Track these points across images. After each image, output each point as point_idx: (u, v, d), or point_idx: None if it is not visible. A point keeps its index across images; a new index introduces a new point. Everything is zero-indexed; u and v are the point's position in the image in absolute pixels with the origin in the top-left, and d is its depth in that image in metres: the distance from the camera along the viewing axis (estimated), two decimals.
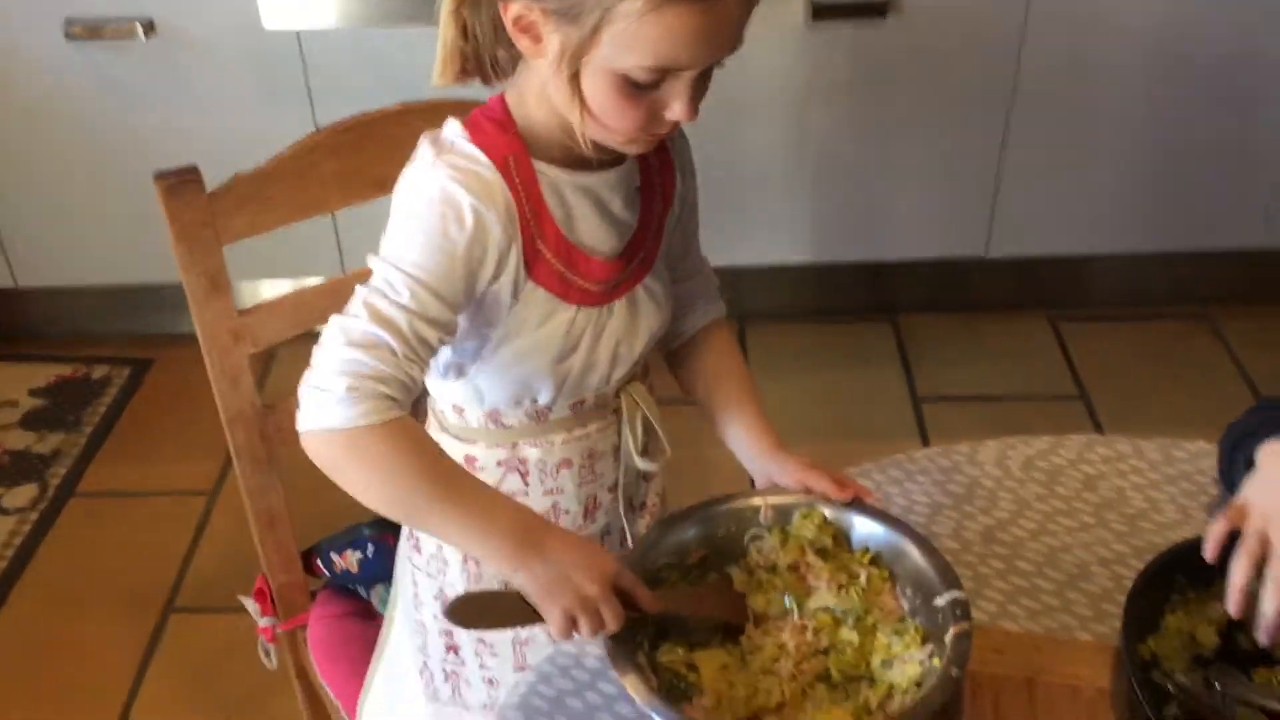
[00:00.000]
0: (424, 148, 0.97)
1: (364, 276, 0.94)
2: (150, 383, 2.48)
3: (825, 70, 2.27)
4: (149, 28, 2.15)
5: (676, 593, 0.96)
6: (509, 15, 0.90)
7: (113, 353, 2.55)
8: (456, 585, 1.11)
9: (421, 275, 0.91)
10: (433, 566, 1.12)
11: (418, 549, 1.14)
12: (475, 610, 0.91)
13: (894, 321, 2.60)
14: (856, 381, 2.45)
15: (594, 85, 0.90)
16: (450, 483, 0.91)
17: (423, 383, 0.95)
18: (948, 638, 0.88)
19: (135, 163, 2.21)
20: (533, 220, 0.96)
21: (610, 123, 0.92)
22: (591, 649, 0.97)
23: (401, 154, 0.99)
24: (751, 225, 2.43)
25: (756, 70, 2.25)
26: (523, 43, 0.91)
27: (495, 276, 0.96)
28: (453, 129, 0.97)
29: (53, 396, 2.44)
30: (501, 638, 1.12)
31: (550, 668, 0.96)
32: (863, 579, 0.96)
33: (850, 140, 2.36)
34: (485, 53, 0.96)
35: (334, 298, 1.24)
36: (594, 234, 1.00)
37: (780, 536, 0.99)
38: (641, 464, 1.11)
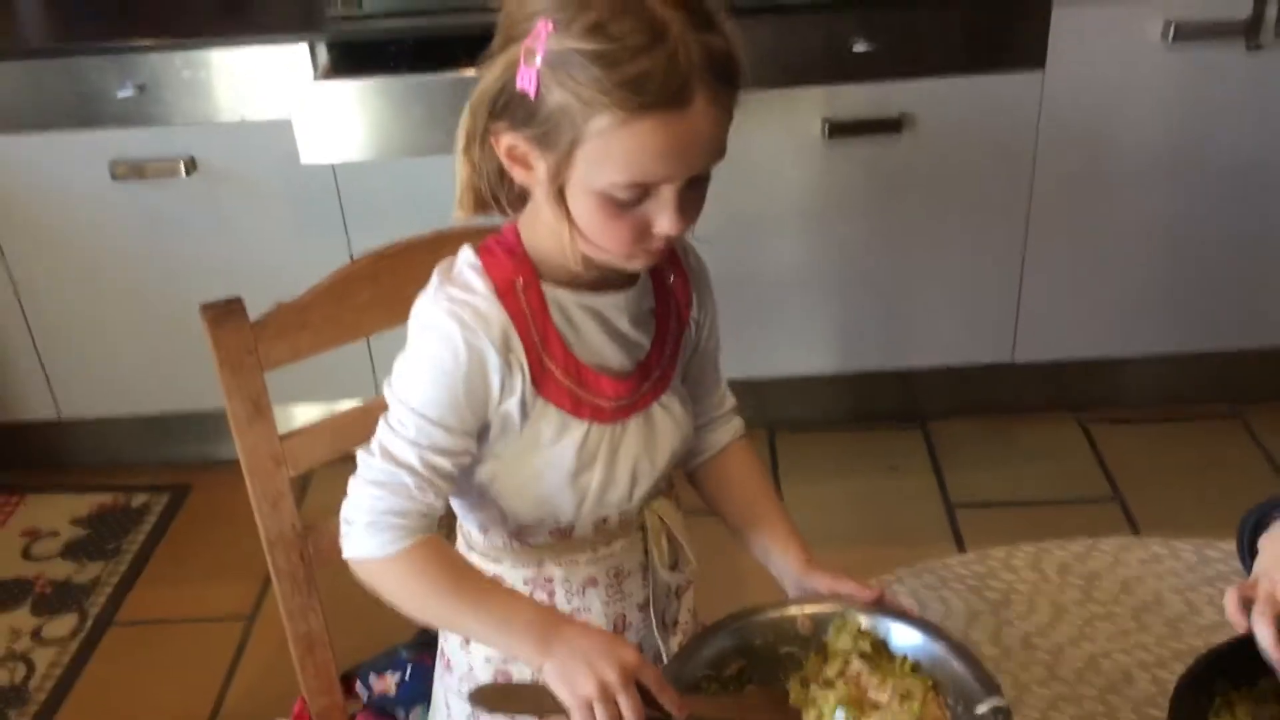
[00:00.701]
0: (434, 278, 1.02)
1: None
2: (188, 509, 2.51)
3: (844, 184, 2.32)
4: (190, 165, 2.23)
5: (718, 701, 0.95)
6: (501, 148, 0.95)
7: (151, 480, 2.59)
8: None
9: (427, 410, 0.97)
10: (464, 687, 1.13)
11: (449, 669, 1.15)
12: (499, 696, 0.97)
13: (924, 428, 2.61)
14: (889, 489, 2.45)
15: (579, 205, 0.93)
16: (471, 589, 0.98)
17: (444, 505, 1.00)
18: None
19: (177, 295, 2.29)
20: (540, 341, 1.00)
21: (599, 241, 0.95)
22: None
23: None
24: (777, 336, 2.46)
25: (777, 185, 2.31)
26: (516, 172, 0.96)
27: (503, 399, 0.99)
28: (465, 256, 1.02)
29: (93, 526, 2.47)
30: None
31: None
32: (914, 691, 0.96)
33: (872, 251, 2.40)
34: (495, 187, 1.01)
35: (370, 420, 1.27)
36: (602, 352, 1.03)
37: (819, 655, 0.99)
38: (670, 577, 1.11)
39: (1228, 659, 0.94)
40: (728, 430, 1.19)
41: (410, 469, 0.97)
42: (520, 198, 1.01)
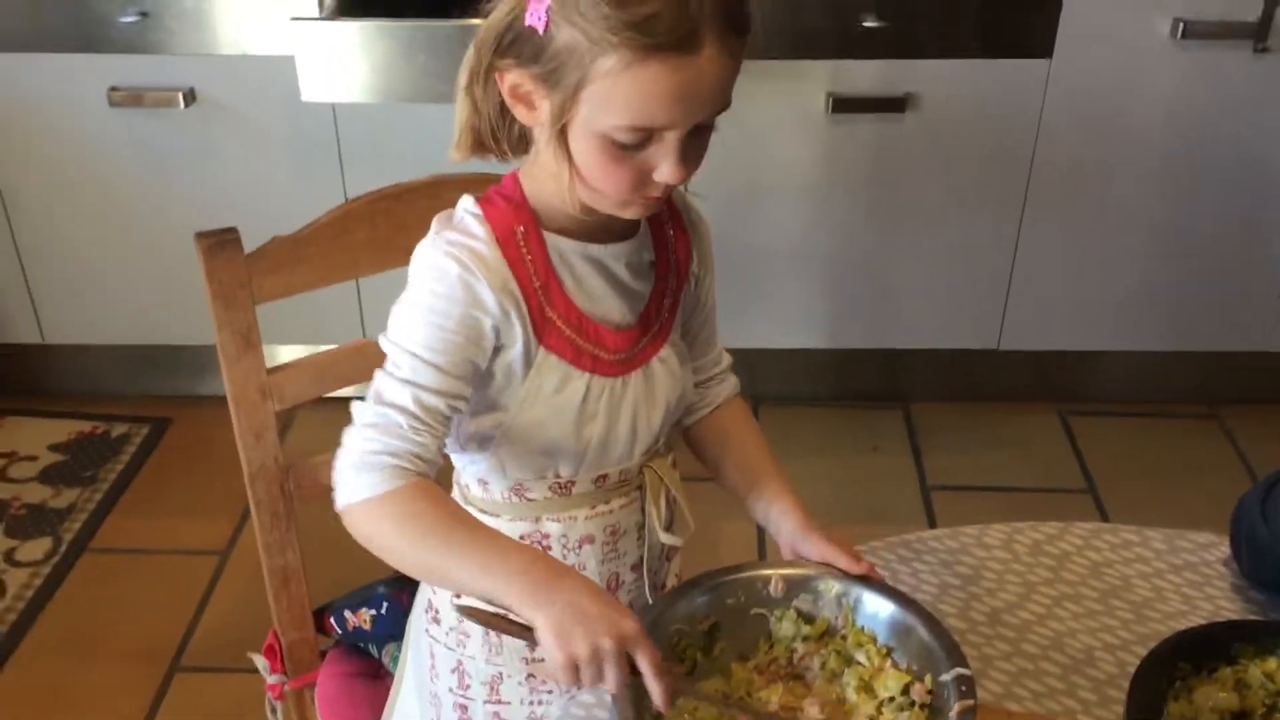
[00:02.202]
0: (434, 225, 1.01)
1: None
2: (168, 442, 2.51)
3: (844, 161, 2.32)
4: (190, 97, 2.22)
5: (706, 691, 0.95)
6: (505, 85, 0.94)
7: (132, 411, 2.58)
8: (477, 658, 1.11)
9: (420, 351, 0.95)
10: (452, 639, 1.13)
11: (436, 620, 1.14)
12: (488, 614, 0.92)
13: (906, 409, 2.62)
14: (867, 467, 2.47)
15: (580, 147, 0.93)
16: (463, 531, 0.93)
17: (441, 450, 0.98)
18: (952, 714, 0.89)
19: (168, 227, 2.28)
20: (542, 290, 0.99)
21: (598, 185, 0.94)
22: (600, 712, 0.98)
23: (430, 223, 1.03)
24: (767, 308, 2.47)
25: (777, 157, 2.31)
26: (519, 111, 0.95)
27: (499, 348, 0.99)
28: (465, 204, 1.02)
29: (72, 452, 2.47)
30: (519, 714, 1.13)
31: None
32: (861, 657, 0.98)
33: (867, 229, 2.41)
34: (495, 128, 1.00)
35: (359, 358, 1.28)
36: (604, 303, 1.03)
37: (766, 641, 1.01)
38: (666, 538, 1.12)
39: (1191, 645, 0.96)
40: (724, 388, 1.19)
41: (402, 409, 0.94)
42: (520, 142, 1.01)
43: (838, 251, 2.43)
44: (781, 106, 2.25)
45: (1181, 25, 2.16)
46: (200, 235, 1.17)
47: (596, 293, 1.03)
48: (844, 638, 1.00)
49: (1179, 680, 0.95)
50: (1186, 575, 1.13)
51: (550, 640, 0.86)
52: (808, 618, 1.01)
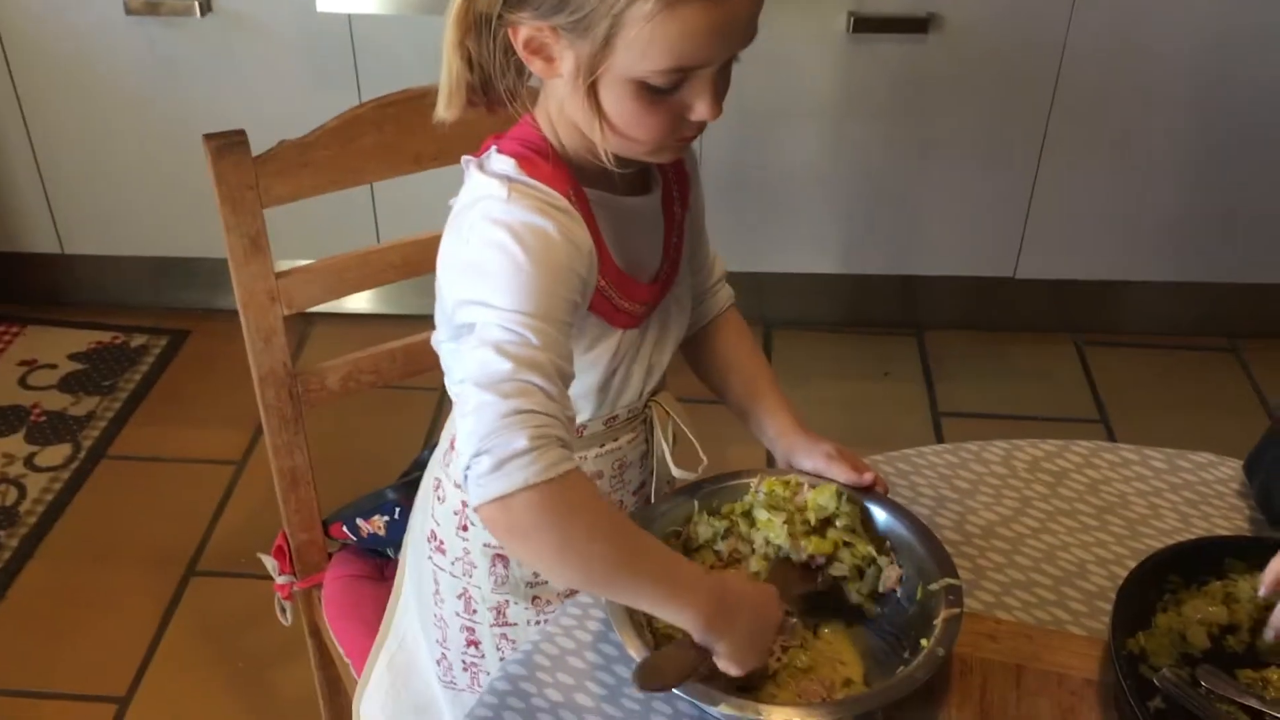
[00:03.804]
0: (491, 184, 0.93)
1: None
2: (185, 353, 2.54)
3: (864, 83, 2.29)
4: (205, 6, 2.20)
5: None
6: (519, 39, 0.89)
7: (151, 323, 2.61)
8: (483, 586, 1.10)
9: (543, 316, 0.87)
10: (458, 568, 1.11)
11: (441, 550, 1.12)
12: (658, 674, 0.88)
13: (920, 336, 2.62)
14: (879, 393, 2.47)
15: (612, 97, 0.89)
16: (638, 546, 0.89)
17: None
18: (938, 620, 0.91)
19: (184, 137, 2.27)
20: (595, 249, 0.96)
21: (633, 133, 0.91)
22: (596, 612, 0.99)
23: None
24: (783, 233, 2.46)
25: (796, 79, 2.28)
26: (535, 65, 0.91)
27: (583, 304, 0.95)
28: (503, 166, 0.94)
29: (91, 361, 2.50)
30: (525, 635, 1.12)
31: (555, 628, 0.99)
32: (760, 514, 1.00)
33: (885, 153, 2.38)
34: (494, 82, 0.94)
35: (366, 266, 1.29)
36: (641, 257, 1.01)
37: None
38: (678, 472, 1.12)
39: (1182, 558, 0.97)
40: (719, 299, 1.19)
41: (547, 376, 0.85)
42: (512, 95, 0.96)
43: (854, 175, 2.41)
44: (801, 26, 2.22)
45: None
46: (208, 137, 1.17)
47: (635, 248, 1.00)
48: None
49: (1169, 592, 0.96)
50: (1184, 494, 1.13)
51: (738, 659, 0.89)
52: (716, 512, 1.02)
